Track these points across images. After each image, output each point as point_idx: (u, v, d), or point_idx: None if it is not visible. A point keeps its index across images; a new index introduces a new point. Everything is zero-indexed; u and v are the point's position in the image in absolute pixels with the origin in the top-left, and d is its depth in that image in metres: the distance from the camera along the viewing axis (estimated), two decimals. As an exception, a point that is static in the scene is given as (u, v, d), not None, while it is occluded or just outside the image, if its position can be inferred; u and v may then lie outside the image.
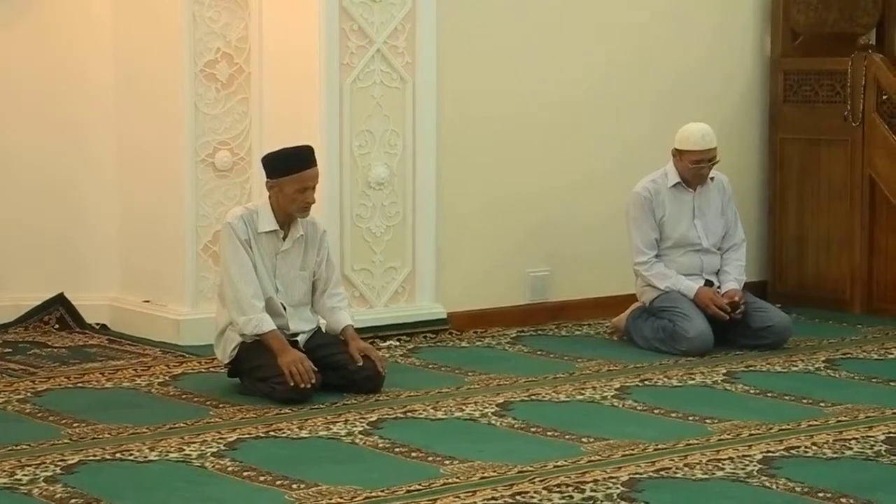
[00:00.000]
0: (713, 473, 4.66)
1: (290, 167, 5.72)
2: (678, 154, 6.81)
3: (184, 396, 5.75)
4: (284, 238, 5.82)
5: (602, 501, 4.34)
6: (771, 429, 5.24)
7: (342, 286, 6.16)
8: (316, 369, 5.64)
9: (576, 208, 7.51)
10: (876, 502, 4.36)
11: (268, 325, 5.68)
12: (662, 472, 4.66)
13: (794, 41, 8.13)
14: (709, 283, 6.86)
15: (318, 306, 5.97)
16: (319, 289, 5.95)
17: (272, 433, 5.16)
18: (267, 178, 5.79)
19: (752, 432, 5.18)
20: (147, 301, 7.00)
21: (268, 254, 5.80)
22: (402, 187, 6.92)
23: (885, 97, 7.63)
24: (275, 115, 6.78)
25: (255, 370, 5.71)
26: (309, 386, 5.59)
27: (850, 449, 4.98)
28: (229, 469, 4.70)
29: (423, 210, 6.97)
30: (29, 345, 6.74)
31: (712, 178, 6.91)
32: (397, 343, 6.77)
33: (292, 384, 5.56)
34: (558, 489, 4.45)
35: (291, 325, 5.84)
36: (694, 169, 6.79)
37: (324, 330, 6.00)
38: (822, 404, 5.64)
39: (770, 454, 4.88)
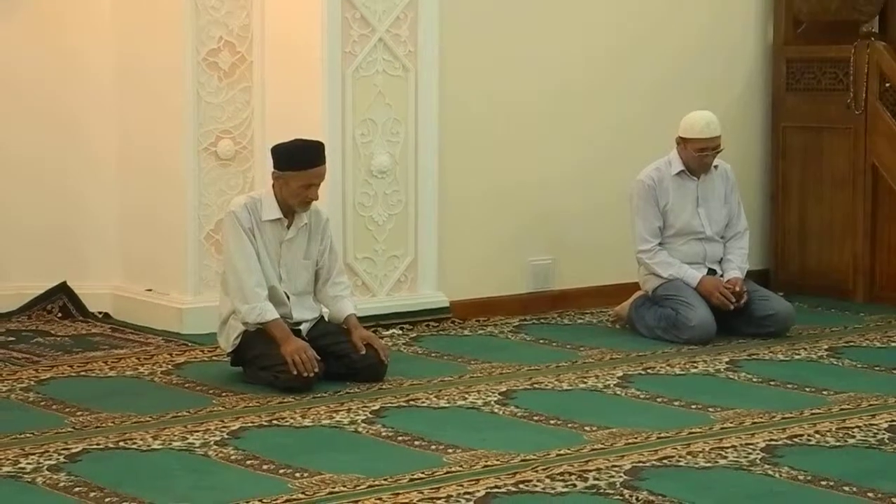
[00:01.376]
0: (716, 462, 4.66)
1: (298, 163, 5.70)
2: (682, 142, 6.80)
3: (187, 385, 5.75)
4: (289, 226, 5.82)
5: (605, 490, 4.34)
6: (774, 417, 5.24)
7: (345, 275, 6.16)
8: (319, 358, 5.64)
9: (578, 196, 7.50)
10: (878, 490, 4.36)
11: (271, 313, 5.68)
12: (665, 461, 4.67)
13: (797, 29, 8.12)
14: (711, 272, 6.86)
15: (321, 295, 5.96)
16: (322, 278, 5.94)
17: (275, 422, 5.16)
18: (274, 168, 5.78)
19: (755, 420, 5.19)
20: (149, 290, 6.99)
21: (272, 242, 5.79)
22: (405, 176, 6.91)
23: (888, 85, 7.61)
24: (277, 103, 6.77)
25: (257, 359, 5.71)
26: (312, 375, 5.58)
27: (853, 437, 4.98)
28: (232, 458, 4.70)
29: (425, 198, 6.96)
30: (32, 333, 6.74)
31: (716, 167, 6.90)
32: (400, 332, 6.77)
33: (295, 373, 5.56)
34: (561, 478, 4.45)
35: (295, 313, 5.83)
36: (698, 157, 6.78)
37: (327, 319, 6.00)
38: (824, 393, 5.65)
39: (773, 442, 4.88)
